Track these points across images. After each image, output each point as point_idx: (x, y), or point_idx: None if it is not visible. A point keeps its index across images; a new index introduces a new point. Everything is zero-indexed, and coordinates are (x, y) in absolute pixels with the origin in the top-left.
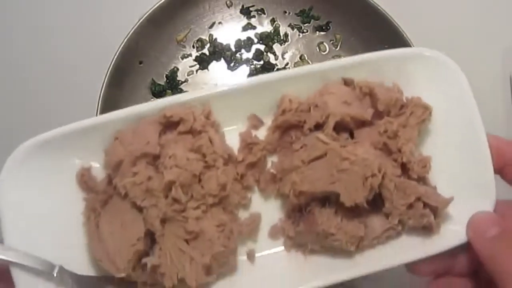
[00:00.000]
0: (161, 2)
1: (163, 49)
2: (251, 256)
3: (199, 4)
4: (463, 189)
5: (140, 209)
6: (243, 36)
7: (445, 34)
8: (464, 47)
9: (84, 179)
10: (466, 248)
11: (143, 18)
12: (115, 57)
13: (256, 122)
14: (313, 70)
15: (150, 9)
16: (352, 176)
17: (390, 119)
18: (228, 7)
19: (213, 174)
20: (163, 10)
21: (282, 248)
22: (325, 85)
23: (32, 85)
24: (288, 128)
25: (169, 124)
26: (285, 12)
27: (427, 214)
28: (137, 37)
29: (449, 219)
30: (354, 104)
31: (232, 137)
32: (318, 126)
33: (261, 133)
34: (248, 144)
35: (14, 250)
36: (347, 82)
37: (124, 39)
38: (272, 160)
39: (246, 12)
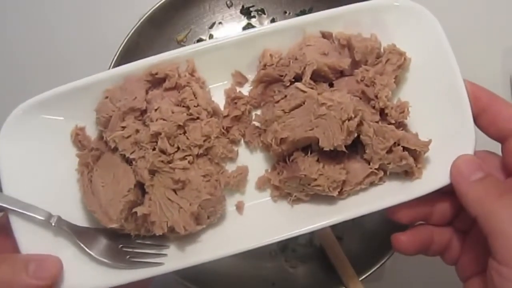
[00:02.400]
0: (161, 2)
1: (163, 49)
2: (239, 207)
3: (199, 4)
4: (443, 134)
5: (130, 162)
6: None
7: (444, 34)
8: (464, 47)
9: (79, 138)
10: (443, 197)
11: (143, 18)
12: (115, 57)
13: (240, 79)
14: (292, 24)
15: (150, 9)
16: (329, 120)
17: (366, 67)
18: (228, 7)
19: (197, 125)
20: (163, 10)
21: (269, 198)
22: (303, 39)
23: (32, 85)
24: (270, 82)
25: (155, 81)
26: (285, 12)
27: (406, 156)
28: (137, 37)
29: (430, 164)
30: (332, 55)
31: (218, 94)
32: (298, 78)
33: (246, 90)
34: (232, 99)
35: (14, 199)
36: (325, 35)
37: (124, 39)
38: (256, 114)
39: (246, 12)
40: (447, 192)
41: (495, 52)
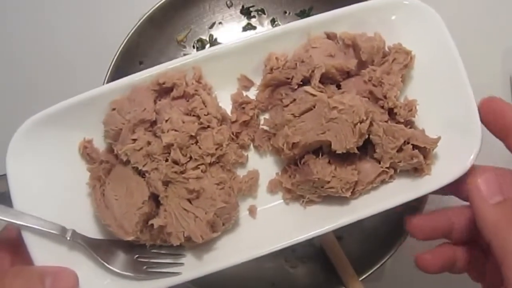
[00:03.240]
0: (161, 2)
1: (163, 49)
2: (252, 211)
3: (199, 4)
4: (450, 130)
5: (142, 174)
6: (243, 36)
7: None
8: (464, 47)
9: (87, 151)
10: (461, 213)
11: (143, 18)
12: (115, 57)
13: (246, 83)
14: (296, 26)
15: (150, 9)
16: (341, 124)
17: (373, 68)
18: (228, 7)
19: (208, 134)
20: (163, 10)
21: (282, 201)
22: (309, 41)
23: (32, 84)
24: (277, 85)
25: (163, 91)
26: (285, 12)
27: (416, 154)
28: (137, 37)
29: (438, 160)
30: (338, 56)
31: (224, 99)
32: (306, 81)
33: (252, 94)
34: (240, 104)
35: (26, 214)
36: (330, 36)
37: (124, 39)
38: (264, 118)
39: (246, 12)
40: (465, 207)
41: (495, 52)
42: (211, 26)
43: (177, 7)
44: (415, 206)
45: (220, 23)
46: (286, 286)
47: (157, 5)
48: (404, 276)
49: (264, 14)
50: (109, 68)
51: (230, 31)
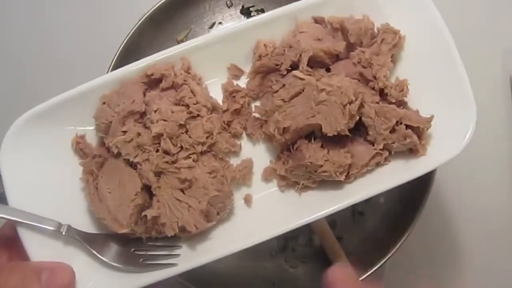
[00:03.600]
0: (161, 2)
1: (163, 49)
2: (247, 200)
3: (199, 4)
4: (444, 109)
5: (134, 166)
6: None
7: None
8: (464, 47)
9: (80, 147)
10: None
11: (143, 18)
12: (115, 57)
13: (236, 72)
14: (283, 12)
15: (150, 9)
16: (330, 106)
17: (362, 49)
18: (228, 7)
19: (198, 123)
20: (163, 10)
21: (277, 189)
22: (296, 26)
23: (32, 84)
24: (267, 72)
25: (152, 82)
26: None
27: (410, 134)
28: (137, 37)
29: (433, 139)
30: (327, 40)
31: (215, 89)
32: (295, 66)
33: (243, 82)
34: (230, 93)
35: (21, 211)
36: (317, 20)
37: (124, 39)
38: (255, 105)
39: (246, 12)
40: None
41: (495, 52)
42: (211, 26)
43: (177, 7)
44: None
45: (220, 23)
46: (286, 286)
47: (157, 5)
48: (403, 277)
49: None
50: (109, 68)
51: None
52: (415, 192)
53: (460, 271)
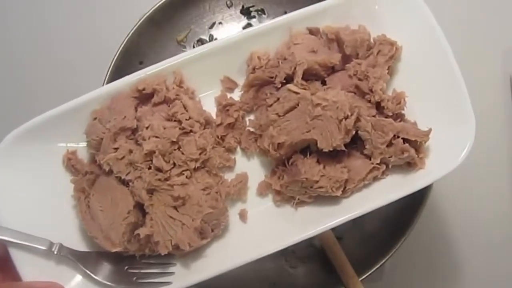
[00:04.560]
0: (161, 2)
1: (163, 49)
2: (243, 215)
3: (199, 4)
4: (442, 121)
5: (126, 183)
6: None
7: (445, 34)
8: (464, 47)
9: (71, 163)
10: None
11: (143, 18)
12: (115, 57)
13: (230, 84)
14: (277, 23)
15: (150, 9)
16: (326, 121)
17: (358, 61)
18: (229, 7)
19: (191, 139)
20: (163, 10)
21: (272, 203)
22: (291, 37)
23: (32, 85)
24: (261, 85)
25: (143, 97)
26: (286, 12)
27: (407, 148)
28: (137, 37)
29: (431, 153)
30: (322, 51)
31: (209, 102)
32: (289, 78)
33: (237, 95)
34: (224, 106)
35: (12, 230)
36: (312, 31)
37: (124, 39)
38: (249, 119)
39: (246, 12)
40: None
41: (495, 52)
42: (211, 26)
43: (177, 7)
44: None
45: (220, 23)
46: (286, 286)
47: (157, 5)
48: (403, 276)
49: (264, 14)
50: (109, 68)
51: (230, 31)
52: (415, 193)
53: (459, 271)
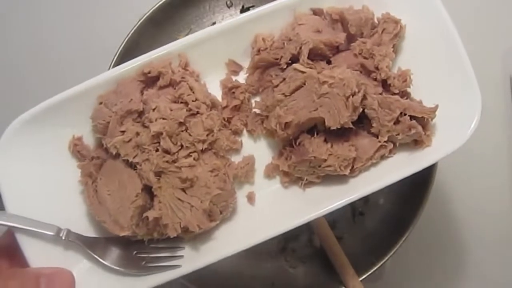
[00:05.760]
0: (161, 2)
1: None
2: (250, 198)
3: (199, 5)
4: (448, 98)
5: (134, 166)
6: None
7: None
8: (465, 48)
9: (77, 149)
10: None
11: (143, 18)
12: (115, 57)
13: (235, 67)
14: (281, 5)
15: (150, 9)
16: (333, 98)
17: (363, 40)
18: (228, 7)
19: (198, 120)
20: (163, 10)
21: (280, 185)
22: (295, 18)
23: (32, 85)
24: (266, 67)
25: (149, 80)
26: None
27: (414, 125)
28: (137, 37)
29: (438, 130)
30: (326, 31)
31: (214, 86)
32: (295, 59)
33: (242, 78)
34: (230, 89)
35: (19, 216)
36: (316, 12)
37: (124, 40)
38: (255, 101)
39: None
40: None
41: (495, 52)
42: None
43: (177, 7)
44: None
45: (220, 23)
46: (286, 286)
47: (157, 5)
48: (404, 276)
49: None
50: (109, 68)
51: None
52: (415, 193)
53: (459, 271)
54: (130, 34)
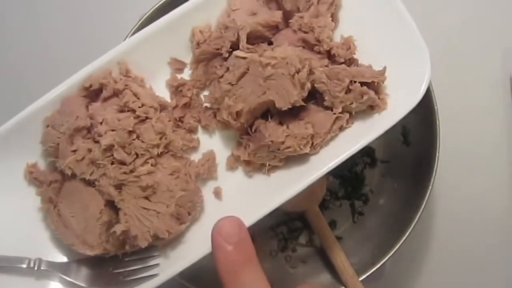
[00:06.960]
0: (161, 2)
1: None
2: (217, 193)
3: None
4: (397, 58)
5: (92, 184)
6: None
7: (445, 34)
8: (464, 47)
9: (34, 176)
10: None
11: (143, 18)
12: None
13: (178, 65)
14: None
15: (150, 9)
16: (279, 79)
17: (300, 14)
18: None
19: (148, 125)
20: (163, 10)
21: (244, 175)
22: (228, 4)
23: (32, 85)
24: (209, 59)
25: (93, 94)
26: None
27: (366, 91)
28: None
29: (392, 92)
30: (262, 12)
31: (161, 88)
32: (235, 46)
33: (187, 75)
34: (176, 87)
35: None
36: None
37: (124, 39)
38: (204, 95)
39: None
40: None
41: (495, 52)
42: None
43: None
44: None
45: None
46: (286, 286)
47: (157, 5)
48: (404, 276)
49: None
50: None
51: None
52: (415, 193)
53: (460, 271)
54: (130, 34)
